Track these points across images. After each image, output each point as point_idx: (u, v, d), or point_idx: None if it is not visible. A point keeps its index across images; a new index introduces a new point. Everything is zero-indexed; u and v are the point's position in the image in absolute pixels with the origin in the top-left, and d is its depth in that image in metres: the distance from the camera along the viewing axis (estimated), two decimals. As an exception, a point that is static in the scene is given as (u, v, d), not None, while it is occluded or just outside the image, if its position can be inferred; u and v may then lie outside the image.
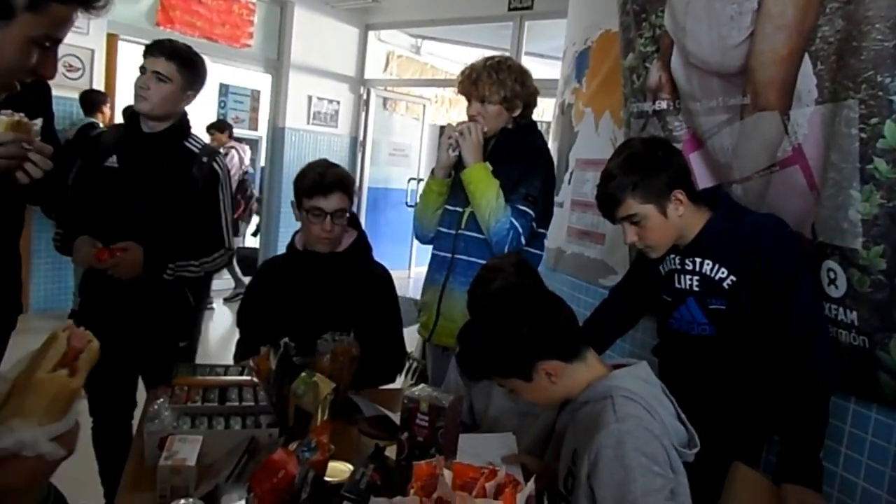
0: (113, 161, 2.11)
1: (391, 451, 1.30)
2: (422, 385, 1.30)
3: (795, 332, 1.55)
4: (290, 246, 2.17)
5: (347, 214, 2.07)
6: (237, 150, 6.17)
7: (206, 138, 5.70)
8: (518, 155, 2.21)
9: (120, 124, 2.30)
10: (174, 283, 2.14)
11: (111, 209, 2.09)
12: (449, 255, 2.26)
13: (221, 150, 6.00)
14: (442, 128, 9.44)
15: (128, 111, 2.33)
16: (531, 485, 0.85)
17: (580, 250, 2.80)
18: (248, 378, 1.82)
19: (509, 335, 1.34)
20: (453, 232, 2.26)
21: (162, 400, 1.62)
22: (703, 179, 2.00)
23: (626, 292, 2.05)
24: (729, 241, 1.65)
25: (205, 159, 2.16)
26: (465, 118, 2.22)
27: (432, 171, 2.33)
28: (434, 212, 2.33)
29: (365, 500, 0.81)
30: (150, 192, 2.07)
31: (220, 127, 6.23)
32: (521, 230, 2.12)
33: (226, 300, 5.99)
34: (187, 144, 2.16)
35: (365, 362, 1.88)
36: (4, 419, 0.62)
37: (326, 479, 1.21)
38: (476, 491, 0.82)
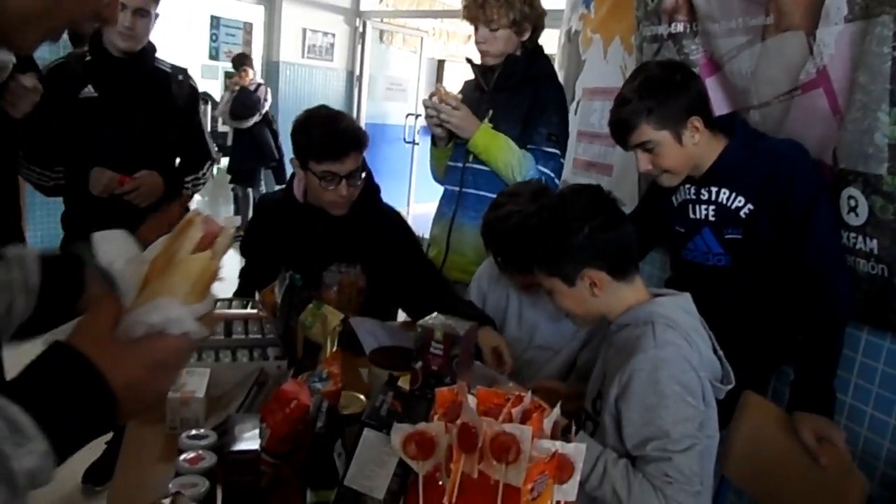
0: (89, 91, 2.05)
1: (404, 382, 1.28)
2: (435, 313, 1.26)
3: (813, 261, 1.52)
4: (288, 192, 1.98)
5: (363, 173, 1.88)
6: (265, 86, 5.93)
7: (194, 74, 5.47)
8: (525, 83, 2.13)
9: (81, 52, 2.20)
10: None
11: (98, 140, 2.04)
12: (457, 188, 2.21)
13: (251, 88, 5.79)
14: (440, 62, 9.23)
15: (91, 39, 2.22)
16: (557, 409, 0.82)
17: (587, 182, 2.74)
18: (254, 311, 1.79)
19: (567, 231, 1.32)
20: (461, 165, 2.20)
21: (168, 333, 1.60)
22: (719, 106, 1.93)
23: (636, 225, 2.01)
24: (746, 169, 1.60)
25: (180, 77, 2.17)
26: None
27: (433, 142, 2.25)
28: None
29: (387, 426, 0.79)
30: (135, 116, 2.05)
31: (243, 61, 5.87)
32: (551, 174, 2.10)
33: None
34: (157, 65, 2.17)
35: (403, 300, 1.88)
36: (148, 298, 0.63)
37: (341, 409, 1.20)
38: (502, 416, 0.80)
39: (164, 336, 0.63)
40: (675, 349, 1.25)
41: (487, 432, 0.76)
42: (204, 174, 2.23)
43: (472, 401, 0.80)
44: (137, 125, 2.05)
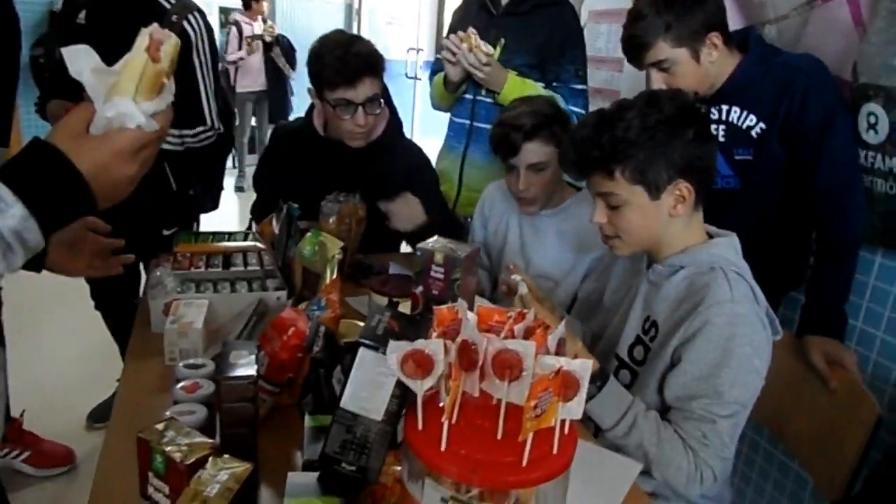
0: (81, 18, 1.94)
1: (405, 308, 1.25)
2: (435, 237, 1.22)
3: (827, 181, 1.47)
4: (308, 125, 1.90)
5: (381, 100, 1.78)
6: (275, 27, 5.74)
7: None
8: (537, 8, 2.03)
9: None
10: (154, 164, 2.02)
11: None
12: (467, 121, 2.14)
13: (266, 36, 5.60)
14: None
15: None
16: (561, 326, 0.79)
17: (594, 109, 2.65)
18: (253, 243, 1.75)
19: (671, 134, 1.15)
20: (470, 97, 2.12)
21: (164, 267, 1.57)
22: (733, 21, 1.81)
23: None
24: (760, 86, 1.53)
25: (174, 17, 1.91)
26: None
27: (445, 79, 2.11)
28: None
29: (384, 346, 0.75)
30: (117, 53, 1.93)
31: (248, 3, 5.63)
32: (581, 111, 2.05)
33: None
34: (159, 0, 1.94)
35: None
36: (108, 98, 0.75)
37: (339, 338, 1.17)
38: (504, 333, 0.76)
39: (121, 130, 0.75)
40: (751, 305, 1.16)
41: (489, 349, 0.73)
42: (196, 137, 2.01)
43: (472, 318, 0.76)
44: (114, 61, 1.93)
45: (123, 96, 0.74)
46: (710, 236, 1.28)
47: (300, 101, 5.93)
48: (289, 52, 5.87)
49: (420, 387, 0.75)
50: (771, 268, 1.63)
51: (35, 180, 0.70)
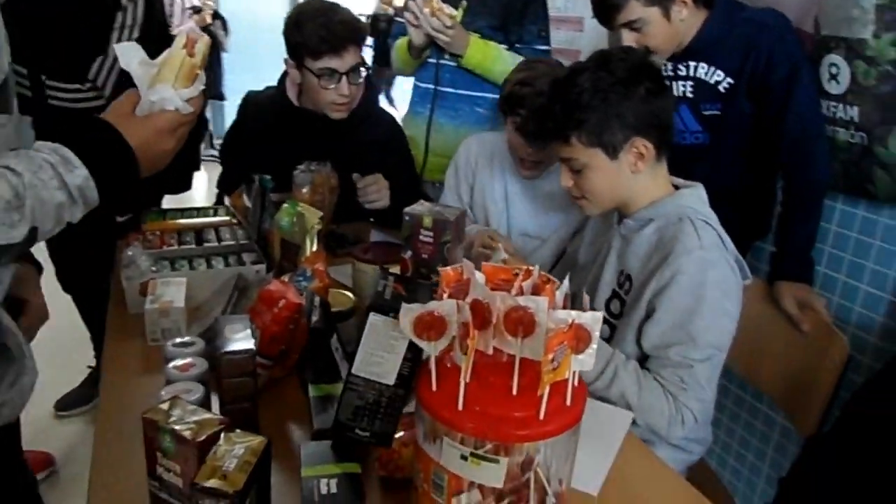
0: None
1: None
2: (420, 201, 1.21)
3: (794, 132, 1.51)
4: (280, 95, 1.85)
5: (364, 69, 1.75)
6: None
7: None
8: None
9: None
10: None
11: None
12: (431, 86, 2.11)
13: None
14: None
15: None
16: (566, 282, 0.80)
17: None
18: (225, 218, 1.71)
19: (622, 93, 1.18)
20: (434, 61, 2.08)
21: (135, 247, 1.52)
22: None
23: None
24: (726, 42, 1.55)
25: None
26: None
27: (409, 44, 2.06)
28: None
29: (393, 310, 0.75)
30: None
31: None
32: None
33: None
34: None
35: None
36: (152, 85, 0.92)
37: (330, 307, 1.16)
38: (515, 291, 0.77)
39: (163, 111, 0.91)
40: (720, 252, 1.19)
41: (501, 307, 0.73)
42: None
43: (480, 277, 0.77)
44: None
45: (165, 84, 0.91)
46: (677, 188, 1.31)
47: (235, 79, 5.83)
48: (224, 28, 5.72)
49: (434, 348, 0.75)
50: (740, 218, 1.69)
51: (94, 149, 0.84)
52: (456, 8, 1.96)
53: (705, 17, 1.57)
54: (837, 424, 1.25)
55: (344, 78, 1.70)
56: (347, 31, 1.67)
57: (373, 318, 0.76)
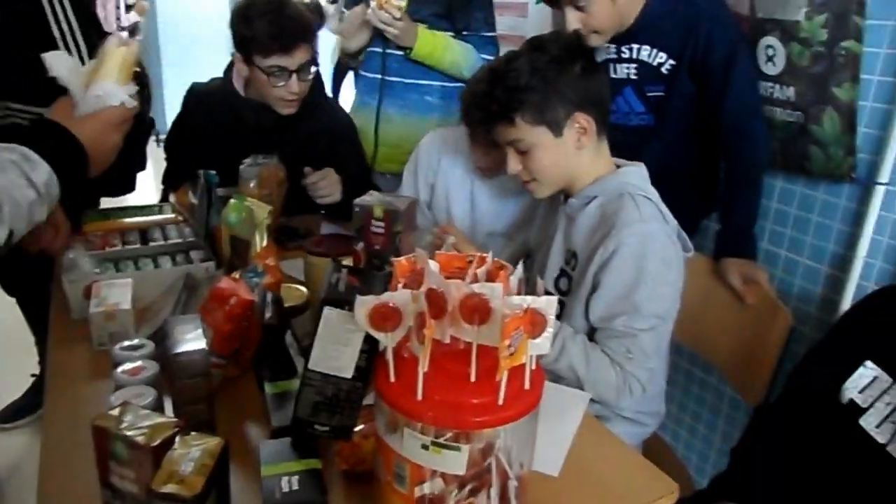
0: None
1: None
2: (370, 191, 1.20)
3: (733, 112, 1.56)
4: (226, 86, 1.80)
5: (314, 66, 1.72)
6: None
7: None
8: None
9: None
10: None
11: None
12: (378, 76, 2.08)
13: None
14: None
15: None
16: (520, 267, 0.80)
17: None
18: (171, 215, 1.67)
19: (557, 70, 1.22)
20: (379, 50, 2.05)
21: (76, 249, 1.46)
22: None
23: None
24: (666, 24, 1.58)
25: None
26: None
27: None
28: None
29: (348, 303, 0.74)
30: None
31: None
32: (493, 58, 2.00)
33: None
34: None
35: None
36: (92, 83, 0.97)
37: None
38: (469, 278, 0.77)
39: (108, 107, 0.96)
40: (659, 224, 1.23)
41: (456, 295, 0.73)
42: None
43: (434, 266, 0.77)
44: None
45: (108, 80, 0.96)
46: (619, 168, 1.35)
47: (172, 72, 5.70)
48: None
49: (390, 339, 0.74)
50: (687, 197, 1.73)
51: (49, 148, 0.87)
52: None
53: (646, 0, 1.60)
54: (783, 395, 1.30)
55: (294, 75, 1.67)
56: (298, 29, 1.63)
57: (327, 311, 0.76)
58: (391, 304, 0.73)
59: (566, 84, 1.23)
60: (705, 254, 1.64)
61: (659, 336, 1.27)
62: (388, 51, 2.03)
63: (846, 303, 1.60)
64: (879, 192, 1.51)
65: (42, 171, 0.84)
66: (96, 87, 0.94)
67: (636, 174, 1.31)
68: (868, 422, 1.06)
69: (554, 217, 1.43)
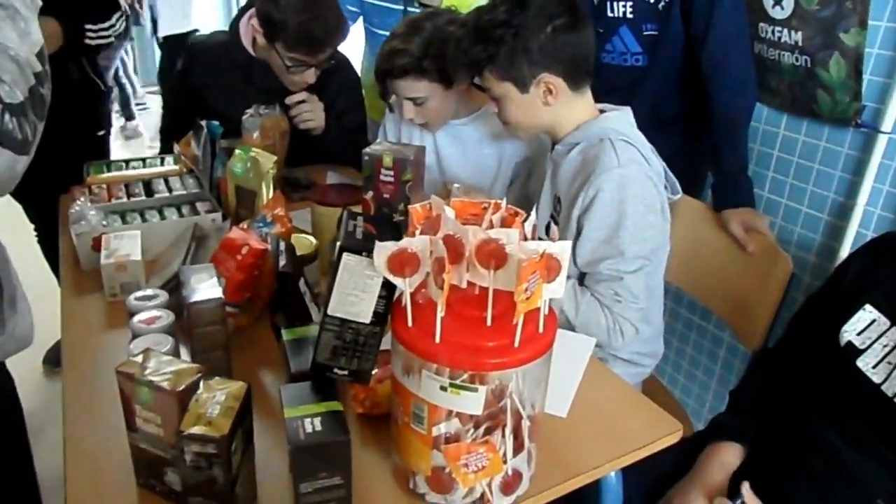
0: None
1: (356, 216, 1.24)
2: (378, 140, 1.20)
3: (715, 53, 1.52)
4: (233, 42, 1.77)
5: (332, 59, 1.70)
6: None
7: None
8: None
9: None
10: (79, 68, 1.96)
11: None
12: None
13: None
14: None
15: None
16: (533, 214, 0.81)
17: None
18: (175, 167, 1.66)
19: (528, 29, 1.21)
20: (401, 7, 1.99)
21: (82, 200, 1.46)
22: None
23: None
24: None
25: None
26: None
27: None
28: None
29: (366, 249, 0.75)
30: None
31: None
32: None
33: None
34: None
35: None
36: None
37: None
38: (485, 224, 0.78)
39: None
40: (638, 167, 1.24)
41: (473, 241, 0.75)
42: (112, 26, 1.92)
43: (451, 213, 0.77)
44: None
45: None
46: (602, 113, 1.34)
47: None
48: None
49: (408, 284, 0.76)
50: (677, 140, 1.71)
51: None
52: None
53: None
54: (782, 339, 1.33)
55: (313, 69, 1.67)
56: (331, 34, 1.62)
57: (346, 258, 0.77)
58: (410, 250, 0.74)
59: (536, 43, 1.22)
60: (706, 201, 1.65)
61: (645, 276, 1.28)
62: (409, 7, 1.99)
63: (845, 250, 1.62)
64: (882, 140, 1.51)
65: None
66: None
67: (620, 119, 1.31)
68: (865, 362, 1.09)
69: (543, 165, 1.45)
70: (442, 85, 1.53)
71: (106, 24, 1.91)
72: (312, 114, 1.75)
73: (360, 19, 2.14)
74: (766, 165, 1.81)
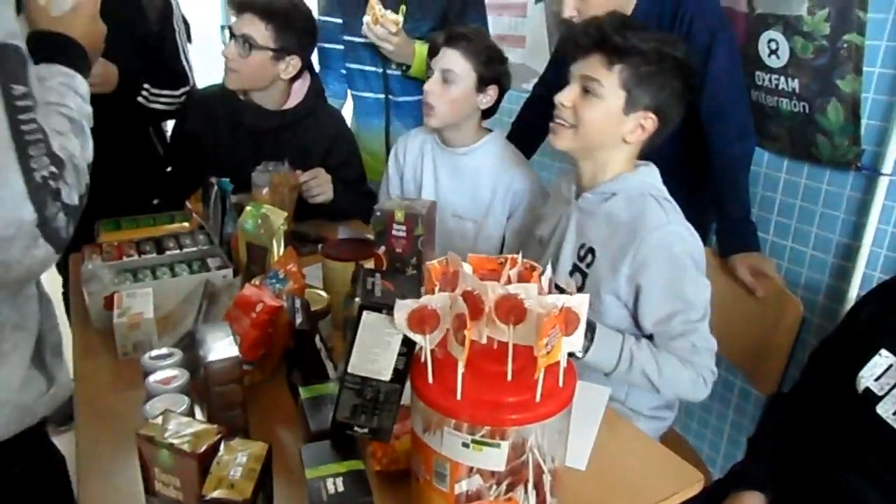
0: None
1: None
2: (390, 195, 1.22)
3: (710, 101, 1.54)
4: (225, 87, 1.83)
5: (271, 51, 1.73)
6: None
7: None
8: None
9: None
10: (141, 131, 2.00)
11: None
12: (382, 96, 2.11)
13: None
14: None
15: None
16: (549, 268, 0.82)
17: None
18: (182, 224, 1.68)
19: (673, 70, 1.22)
20: (379, 70, 2.07)
21: (93, 260, 1.47)
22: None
23: (549, 84, 1.99)
24: (657, 15, 1.57)
25: None
26: None
27: None
28: None
29: (386, 307, 0.76)
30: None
31: None
32: None
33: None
34: None
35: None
36: None
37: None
38: (503, 280, 0.79)
39: (73, 12, 0.97)
40: (683, 223, 1.24)
41: (492, 296, 0.75)
42: (176, 97, 1.97)
43: (468, 269, 0.78)
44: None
45: None
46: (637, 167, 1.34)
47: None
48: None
49: (429, 341, 0.76)
50: (688, 192, 1.73)
51: (61, 53, 0.93)
52: (396, 13, 1.96)
53: None
54: (798, 385, 1.32)
55: (233, 41, 1.72)
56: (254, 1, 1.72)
57: (366, 315, 0.77)
58: (430, 307, 0.74)
59: (666, 84, 1.23)
60: (711, 247, 1.66)
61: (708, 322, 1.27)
62: (389, 72, 2.05)
63: (853, 291, 1.63)
64: (884, 183, 1.53)
65: (81, 83, 0.90)
66: None
67: (654, 175, 1.32)
68: (885, 409, 1.09)
69: (566, 208, 1.40)
70: (477, 77, 1.64)
71: (167, 92, 1.94)
72: (321, 188, 1.79)
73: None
74: (770, 209, 1.83)
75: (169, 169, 2.07)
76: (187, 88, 2.00)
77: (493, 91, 1.68)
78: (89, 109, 0.90)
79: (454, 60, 1.63)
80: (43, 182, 0.74)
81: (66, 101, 0.86)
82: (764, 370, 1.50)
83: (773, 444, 1.27)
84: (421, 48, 1.96)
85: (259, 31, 1.71)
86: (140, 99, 1.88)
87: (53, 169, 0.76)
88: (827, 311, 1.72)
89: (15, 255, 0.74)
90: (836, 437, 1.17)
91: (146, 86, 1.88)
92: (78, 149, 0.84)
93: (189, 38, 2.05)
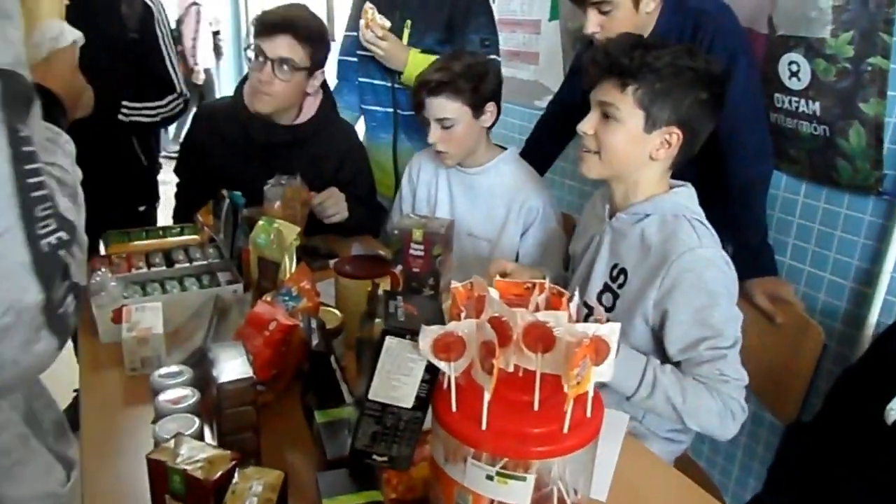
0: None
1: (383, 287, 1.22)
2: (406, 213, 1.19)
3: (726, 123, 1.46)
4: (235, 102, 1.83)
5: (304, 69, 1.73)
6: None
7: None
8: None
9: None
10: (124, 142, 1.98)
11: None
12: (391, 110, 2.10)
13: None
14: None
15: None
16: (577, 295, 0.79)
17: (512, 73, 2.66)
18: (192, 237, 1.65)
19: (693, 82, 1.19)
20: (388, 84, 2.07)
21: (102, 271, 1.45)
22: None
23: (564, 101, 1.97)
24: (677, 35, 1.56)
25: None
26: None
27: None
28: None
29: (410, 332, 0.73)
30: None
31: None
32: None
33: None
34: None
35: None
36: (34, 27, 0.85)
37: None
38: (532, 307, 0.76)
39: (61, 49, 0.86)
40: (717, 249, 1.21)
41: (520, 324, 0.73)
42: (168, 106, 1.97)
43: (495, 294, 0.76)
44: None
45: (53, 20, 0.87)
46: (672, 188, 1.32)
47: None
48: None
49: (453, 369, 0.74)
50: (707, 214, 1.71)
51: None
52: (401, 28, 1.96)
53: (661, 9, 1.58)
54: (820, 415, 1.29)
55: (269, 64, 1.69)
56: (284, 20, 1.70)
57: (389, 341, 0.74)
58: (456, 334, 0.72)
59: (687, 98, 1.20)
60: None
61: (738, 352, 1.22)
62: (397, 85, 2.05)
63: (873, 318, 1.60)
64: (906, 208, 1.51)
65: (67, 141, 0.75)
66: (48, 29, 0.85)
67: (690, 196, 1.29)
68: (914, 442, 1.06)
69: (600, 226, 1.38)
70: (471, 109, 1.62)
71: (149, 104, 1.93)
72: (336, 206, 1.78)
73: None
74: (787, 232, 1.80)
75: (177, 181, 2.06)
76: (174, 96, 2.00)
77: (491, 107, 1.68)
78: (80, 173, 0.72)
79: (443, 107, 1.63)
80: (51, 252, 0.56)
81: (56, 160, 0.68)
82: (783, 398, 1.47)
83: (794, 475, 1.24)
84: (414, 56, 1.95)
85: (297, 52, 1.70)
86: (119, 116, 1.88)
87: (62, 235, 0.58)
88: (846, 338, 1.69)
89: (8, 352, 0.54)
90: (862, 470, 1.13)
91: (124, 102, 1.87)
92: (83, 225, 0.67)
93: (219, 52, 2.08)
